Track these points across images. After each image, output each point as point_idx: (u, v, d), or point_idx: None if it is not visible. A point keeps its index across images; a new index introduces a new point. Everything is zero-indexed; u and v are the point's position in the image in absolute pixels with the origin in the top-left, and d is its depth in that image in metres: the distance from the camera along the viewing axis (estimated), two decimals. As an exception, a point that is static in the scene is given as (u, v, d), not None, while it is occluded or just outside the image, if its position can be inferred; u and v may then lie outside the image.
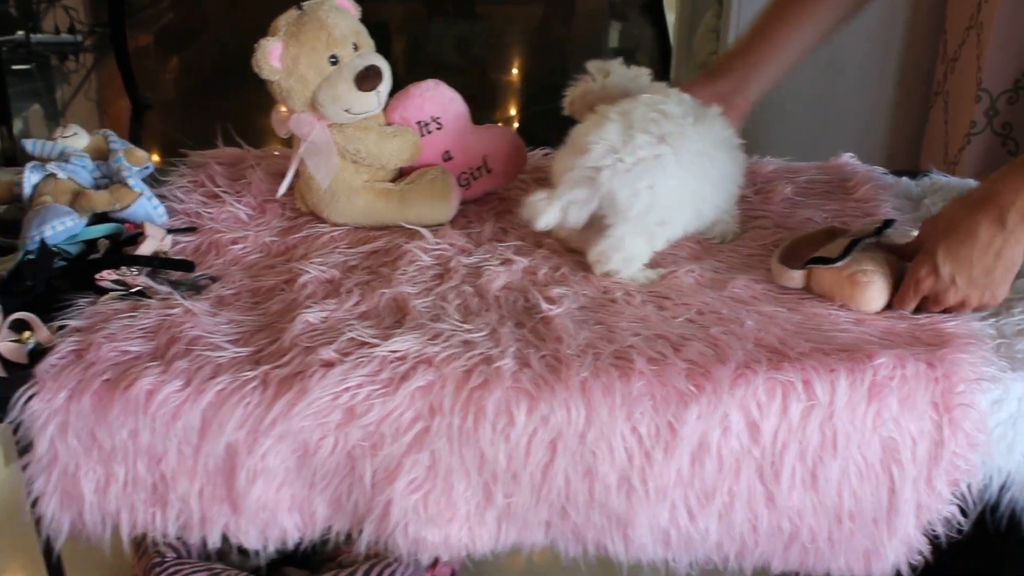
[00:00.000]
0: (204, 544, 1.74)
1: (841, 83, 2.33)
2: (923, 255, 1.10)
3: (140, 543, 1.72)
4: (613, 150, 1.12)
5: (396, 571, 1.67)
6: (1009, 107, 1.98)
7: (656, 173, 1.11)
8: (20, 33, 4.28)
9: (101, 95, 4.15)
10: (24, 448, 1.52)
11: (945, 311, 1.10)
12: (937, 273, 1.08)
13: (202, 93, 4.13)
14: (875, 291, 1.09)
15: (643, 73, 1.26)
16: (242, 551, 1.72)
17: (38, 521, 1.53)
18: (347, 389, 0.99)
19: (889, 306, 1.11)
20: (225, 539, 1.73)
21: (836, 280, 1.11)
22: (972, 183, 1.36)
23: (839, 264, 1.10)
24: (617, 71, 1.25)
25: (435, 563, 1.76)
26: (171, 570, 1.66)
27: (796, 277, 1.13)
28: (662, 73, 3.60)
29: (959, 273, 1.08)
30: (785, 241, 1.19)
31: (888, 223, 1.15)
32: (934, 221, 1.12)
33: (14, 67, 4.03)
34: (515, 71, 4.45)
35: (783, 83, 2.29)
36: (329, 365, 1.00)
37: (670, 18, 4.29)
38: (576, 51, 4.82)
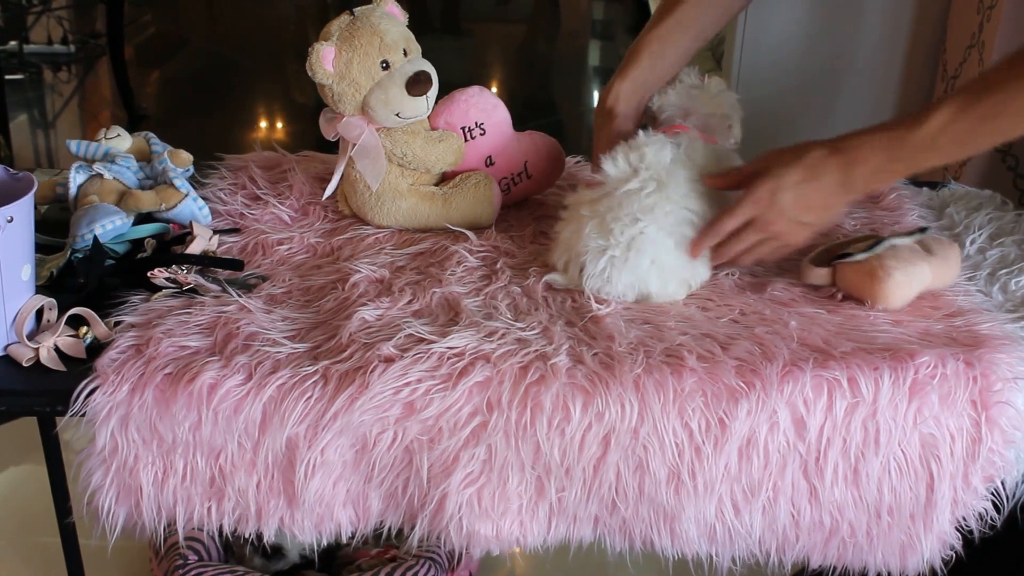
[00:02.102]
0: (228, 546, 1.75)
1: (842, 100, 2.38)
2: (768, 176, 1.10)
3: (159, 546, 1.73)
4: (601, 251, 1.13)
5: (418, 573, 1.68)
6: (1010, 124, 2.02)
7: (649, 247, 1.13)
8: (13, 43, 4.27)
9: (93, 105, 4.15)
10: (50, 443, 1.53)
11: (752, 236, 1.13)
12: (774, 198, 1.10)
13: (188, 104, 4.14)
14: (893, 285, 1.11)
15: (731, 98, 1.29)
16: (264, 555, 1.73)
17: (66, 529, 1.54)
18: (407, 384, 1.01)
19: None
20: (248, 543, 1.74)
21: (858, 275, 1.13)
22: (989, 194, 1.40)
23: (860, 258, 1.13)
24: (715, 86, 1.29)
25: (453, 567, 1.77)
26: (193, 573, 1.66)
27: (822, 274, 1.16)
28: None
29: (795, 206, 1.09)
30: (820, 246, 1.22)
31: (922, 230, 1.19)
32: (781, 152, 1.11)
33: (7, 77, 4.02)
34: (500, 88, 4.49)
35: (787, 99, 2.34)
36: (389, 361, 1.02)
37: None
38: (560, 69, 4.88)
